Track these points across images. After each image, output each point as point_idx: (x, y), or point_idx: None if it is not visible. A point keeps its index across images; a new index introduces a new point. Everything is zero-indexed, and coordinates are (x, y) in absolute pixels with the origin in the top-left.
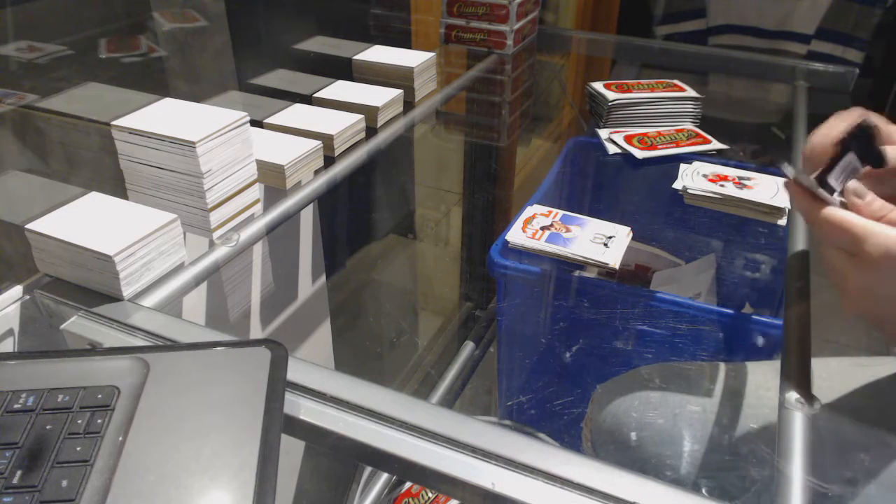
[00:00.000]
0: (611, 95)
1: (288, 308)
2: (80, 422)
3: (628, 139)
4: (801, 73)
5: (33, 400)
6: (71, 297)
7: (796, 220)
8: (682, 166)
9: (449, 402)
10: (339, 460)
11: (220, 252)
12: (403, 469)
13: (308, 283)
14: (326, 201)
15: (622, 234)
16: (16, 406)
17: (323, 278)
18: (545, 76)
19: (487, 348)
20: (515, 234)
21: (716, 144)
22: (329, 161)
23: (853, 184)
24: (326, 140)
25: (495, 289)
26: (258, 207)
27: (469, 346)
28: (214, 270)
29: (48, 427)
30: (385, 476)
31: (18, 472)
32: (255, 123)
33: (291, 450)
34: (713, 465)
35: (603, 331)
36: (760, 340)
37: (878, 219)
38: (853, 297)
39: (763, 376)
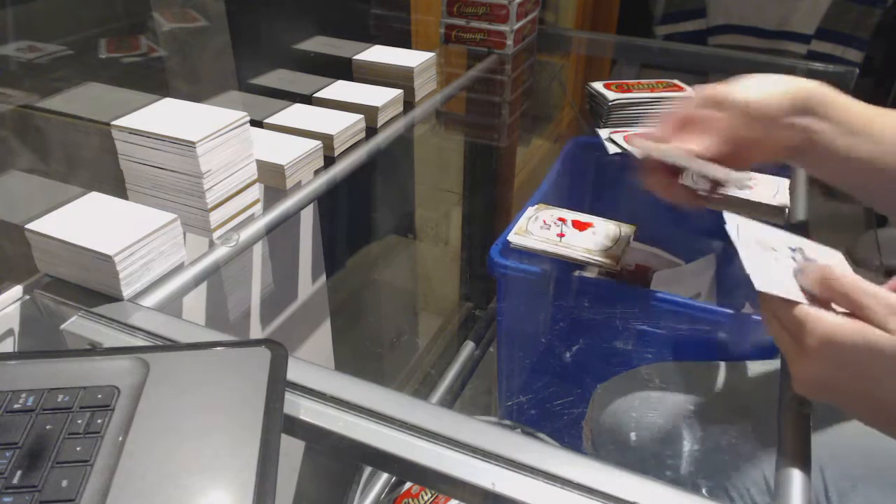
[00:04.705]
0: (611, 95)
1: (288, 308)
2: (80, 422)
3: (628, 139)
4: (801, 73)
5: (33, 400)
6: (71, 297)
7: (797, 220)
8: None
9: (449, 402)
10: (339, 460)
11: (220, 252)
12: (403, 469)
13: (308, 283)
14: (326, 201)
15: (624, 234)
16: (16, 406)
17: (323, 278)
18: (545, 76)
19: (487, 348)
20: (516, 234)
21: None
22: (329, 161)
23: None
24: (326, 140)
25: (495, 289)
26: (258, 207)
27: (469, 346)
28: (214, 270)
29: (48, 427)
30: (385, 476)
31: (18, 472)
32: (255, 123)
33: (291, 450)
34: (713, 465)
35: (603, 331)
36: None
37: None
38: (800, 383)
39: (763, 376)
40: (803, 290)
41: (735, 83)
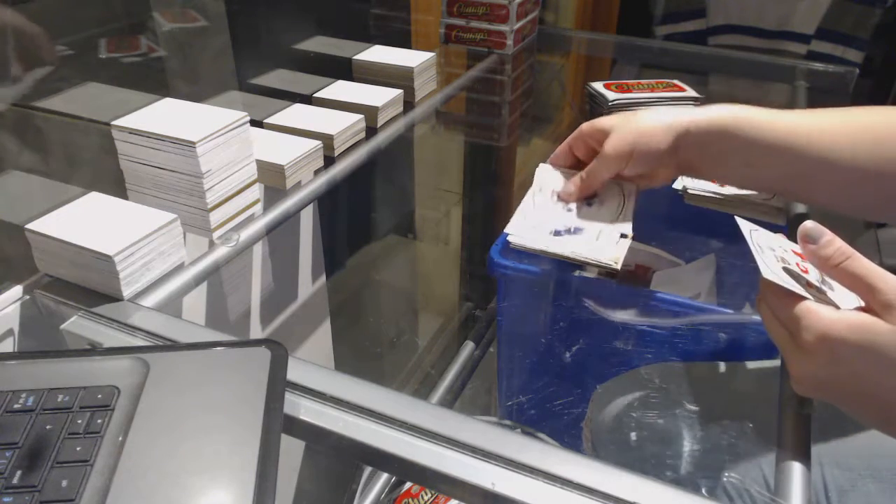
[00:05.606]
0: (611, 95)
1: (288, 308)
2: (80, 422)
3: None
4: (801, 73)
5: (33, 400)
6: (71, 297)
7: (796, 221)
8: None
9: (449, 402)
10: (339, 460)
11: (220, 252)
12: (403, 469)
13: (308, 283)
14: (326, 201)
15: (625, 235)
16: (16, 406)
17: (323, 278)
18: (545, 76)
19: (487, 348)
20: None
21: None
22: (329, 161)
23: (808, 224)
24: (326, 140)
25: (495, 289)
26: (258, 207)
27: (469, 346)
28: (214, 270)
29: (48, 427)
30: (385, 476)
31: (18, 472)
32: (255, 123)
33: (291, 450)
34: (713, 465)
35: (603, 331)
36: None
37: (834, 266)
38: (797, 380)
39: (763, 376)
40: (807, 285)
41: (616, 124)
